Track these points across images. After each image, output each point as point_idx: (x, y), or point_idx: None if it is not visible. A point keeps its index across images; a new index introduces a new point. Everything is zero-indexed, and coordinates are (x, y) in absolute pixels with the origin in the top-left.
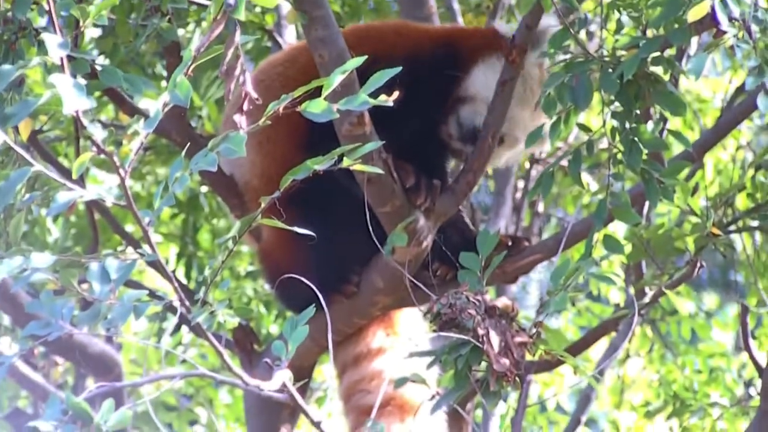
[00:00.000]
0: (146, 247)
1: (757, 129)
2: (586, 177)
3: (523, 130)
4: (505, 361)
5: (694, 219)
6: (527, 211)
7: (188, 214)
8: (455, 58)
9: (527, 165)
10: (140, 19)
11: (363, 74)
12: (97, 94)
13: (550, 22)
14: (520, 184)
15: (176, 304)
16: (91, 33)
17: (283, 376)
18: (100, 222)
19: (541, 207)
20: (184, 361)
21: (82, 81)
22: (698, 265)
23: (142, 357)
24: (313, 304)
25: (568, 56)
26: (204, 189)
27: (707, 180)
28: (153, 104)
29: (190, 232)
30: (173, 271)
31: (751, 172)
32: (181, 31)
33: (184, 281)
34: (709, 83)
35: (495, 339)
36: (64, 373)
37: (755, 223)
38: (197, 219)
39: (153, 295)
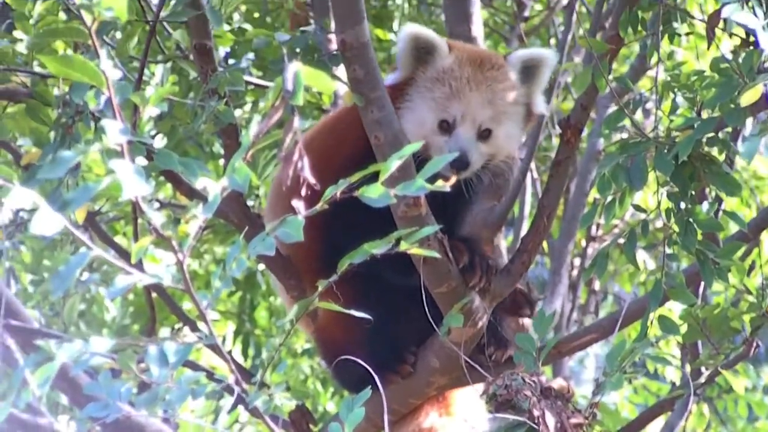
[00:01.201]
0: (203, 328)
1: None
2: (642, 255)
3: (478, 107)
4: None
5: (750, 298)
6: (583, 288)
7: (245, 292)
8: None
9: (583, 243)
10: (198, 100)
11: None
12: (155, 174)
13: (540, 53)
14: (576, 261)
15: (234, 385)
16: (150, 112)
17: None
18: (157, 301)
19: (597, 284)
20: None
21: (143, 164)
22: (754, 344)
23: None
24: (369, 386)
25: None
26: (261, 267)
27: (764, 258)
28: (211, 186)
29: (247, 309)
30: (229, 352)
31: None
32: (238, 112)
33: (241, 358)
34: (766, 160)
35: (551, 420)
36: None
37: None
38: (254, 297)
39: (210, 376)
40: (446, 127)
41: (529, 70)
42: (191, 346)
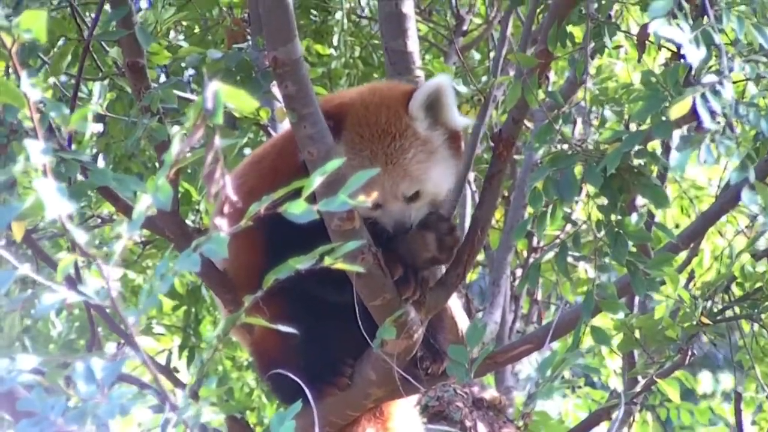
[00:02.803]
0: (145, 343)
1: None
2: (583, 265)
3: (397, 183)
4: None
5: (687, 308)
6: (526, 299)
7: (190, 306)
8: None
9: (525, 254)
10: (132, 117)
11: None
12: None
13: (432, 85)
14: (519, 272)
15: (165, 398)
16: (92, 129)
17: None
18: (98, 317)
19: (539, 295)
20: None
21: (80, 181)
22: (689, 353)
23: None
24: (301, 398)
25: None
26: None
27: (704, 267)
28: (137, 204)
29: (192, 323)
30: (171, 367)
31: (741, 259)
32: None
33: (188, 373)
34: (704, 170)
35: (483, 431)
36: None
37: (746, 312)
38: (199, 310)
39: (143, 391)
40: (376, 204)
41: (432, 104)
42: (122, 362)
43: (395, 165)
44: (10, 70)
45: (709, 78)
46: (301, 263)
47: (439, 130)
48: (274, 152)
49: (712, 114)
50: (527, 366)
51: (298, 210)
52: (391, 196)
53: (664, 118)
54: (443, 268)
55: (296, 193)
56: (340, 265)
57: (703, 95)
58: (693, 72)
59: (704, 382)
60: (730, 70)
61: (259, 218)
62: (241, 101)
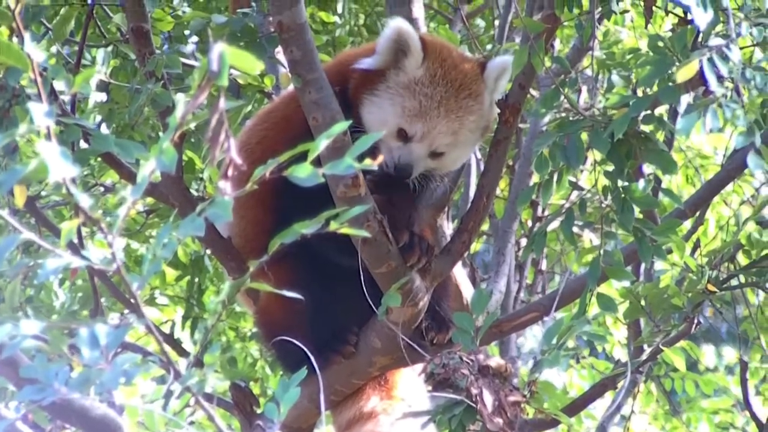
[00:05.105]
0: (148, 312)
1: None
2: (588, 234)
3: (441, 134)
4: (499, 421)
5: (692, 275)
6: (530, 269)
7: (193, 276)
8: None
9: (529, 223)
10: (137, 83)
11: None
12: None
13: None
14: (524, 241)
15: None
16: (96, 97)
17: None
18: (102, 287)
19: (544, 265)
20: (192, 423)
21: (83, 148)
22: (695, 321)
23: (149, 420)
24: (306, 366)
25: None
26: (209, 251)
27: (709, 236)
28: (141, 168)
29: (196, 294)
30: (171, 335)
31: (747, 228)
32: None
33: (191, 343)
34: (710, 139)
35: (488, 398)
36: None
37: (753, 280)
38: (202, 281)
39: (147, 358)
40: (404, 135)
41: (497, 80)
42: (126, 328)
43: (454, 119)
44: (14, 36)
45: (716, 42)
46: (307, 228)
47: (488, 112)
48: (284, 103)
49: (719, 78)
50: (530, 340)
51: (303, 173)
52: (428, 141)
53: (671, 83)
54: (449, 236)
55: (303, 157)
56: (345, 230)
57: (710, 59)
58: (701, 36)
59: (707, 355)
60: (738, 34)
61: (265, 181)
62: (246, 63)
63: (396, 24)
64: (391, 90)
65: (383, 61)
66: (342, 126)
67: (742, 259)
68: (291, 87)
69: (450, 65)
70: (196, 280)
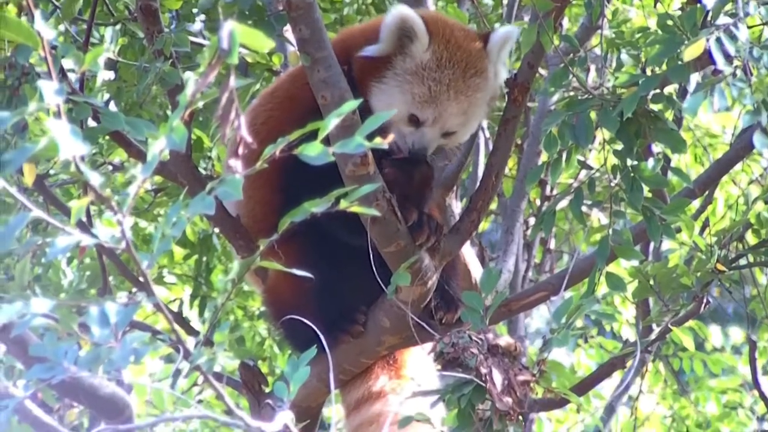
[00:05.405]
0: (157, 291)
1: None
2: (596, 213)
3: (452, 116)
4: (508, 400)
5: (700, 255)
6: (539, 248)
7: (201, 255)
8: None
9: (538, 202)
10: (145, 62)
11: None
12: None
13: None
14: (532, 221)
15: (178, 344)
16: (105, 75)
17: (285, 417)
18: (111, 266)
19: (552, 244)
20: (201, 401)
21: (91, 126)
22: (704, 301)
23: (157, 398)
24: (316, 345)
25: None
26: (217, 229)
27: (718, 215)
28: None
29: (204, 273)
30: (179, 313)
31: (756, 207)
32: (190, 74)
33: (198, 322)
34: (719, 118)
35: (498, 377)
36: (79, 416)
37: (762, 259)
38: (210, 259)
39: (157, 337)
40: (415, 120)
41: (500, 51)
42: (135, 306)
43: (464, 99)
44: (23, 14)
45: (724, 20)
46: (317, 207)
47: (494, 84)
48: (288, 82)
49: (727, 57)
50: (537, 320)
51: (313, 152)
52: (440, 124)
53: (680, 62)
54: (457, 216)
55: (311, 136)
56: (355, 209)
57: (717, 38)
58: (709, 15)
59: (714, 336)
60: (746, 13)
61: (273, 161)
62: (256, 41)
63: (399, 11)
64: (399, 77)
65: (388, 47)
66: (352, 105)
67: (751, 239)
68: (290, 67)
69: (454, 45)
70: (204, 258)
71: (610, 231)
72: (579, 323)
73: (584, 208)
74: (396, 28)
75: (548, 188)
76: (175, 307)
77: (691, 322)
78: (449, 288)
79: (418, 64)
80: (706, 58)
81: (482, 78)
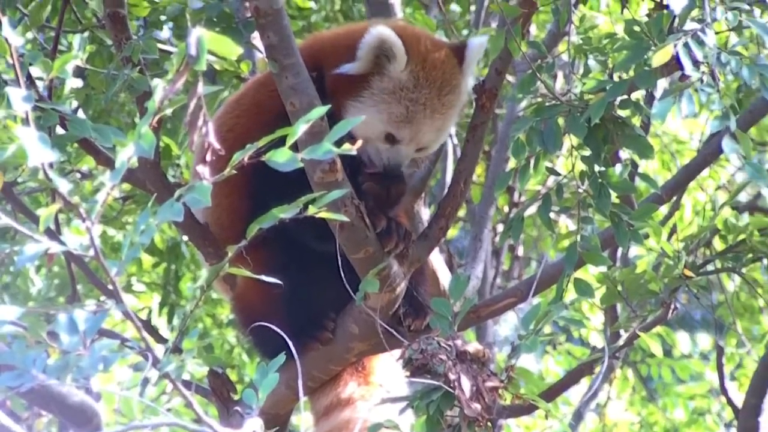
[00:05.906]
0: (126, 299)
1: (735, 169)
2: (564, 220)
3: (427, 133)
4: (477, 406)
5: (668, 261)
6: (507, 255)
7: (170, 263)
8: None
9: (506, 209)
10: (113, 69)
11: None
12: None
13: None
14: (500, 227)
15: (148, 353)
16: (73, 83)
17: (254, 424)
18: (79, 274)
19: (521, 250)
20: (169, 410)
21: (59, 134)
22: (672, 307)
23: (125, 407)
24: (284, 352)
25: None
26: (186, 237)
27: (685, 221)
28: (119, 154)
29: (172, 280)
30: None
31: (723, 213)
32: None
33: (167, 330)
34: (686, 124)
35: (466, 384)
36: (48, 424)
37: (729, 265)
38: (179, 267)
39: (125, 344)
40: (391, 139)
41: (474, 64)
42: (104, 314)
43: (439, 117)
44: None
45: (692, 26)
46: (285, 212)
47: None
48: (254, 89)
49: (695, 63)
50: (505, 327)
51: (282, 158)
52: (415, 142)
53: (647, 68)
54: (425, 222)
55: (279, 143)
56: (323, 214)
57: (685, 44)
58: (676, 21)
59: (682, 342)
60: (713, 19)
61: (240, 168)
62: (224, 48)
63: (378, 31)
64: (375, 96)
65: (365, 66)
66: (320, 111)
67: (718, 244)
68: (258, 74)
69: (431, 64)
70: (173, 267)
71: (578, 237)
72: (547, 329)
73: (552, 215)
74: (374, 47)
75: (516, 195)
76: (144, 315)
77: (658, 328)
78: (418, 294)
79: (396, 84)
80: (674, 63)
81: (456, 94)
